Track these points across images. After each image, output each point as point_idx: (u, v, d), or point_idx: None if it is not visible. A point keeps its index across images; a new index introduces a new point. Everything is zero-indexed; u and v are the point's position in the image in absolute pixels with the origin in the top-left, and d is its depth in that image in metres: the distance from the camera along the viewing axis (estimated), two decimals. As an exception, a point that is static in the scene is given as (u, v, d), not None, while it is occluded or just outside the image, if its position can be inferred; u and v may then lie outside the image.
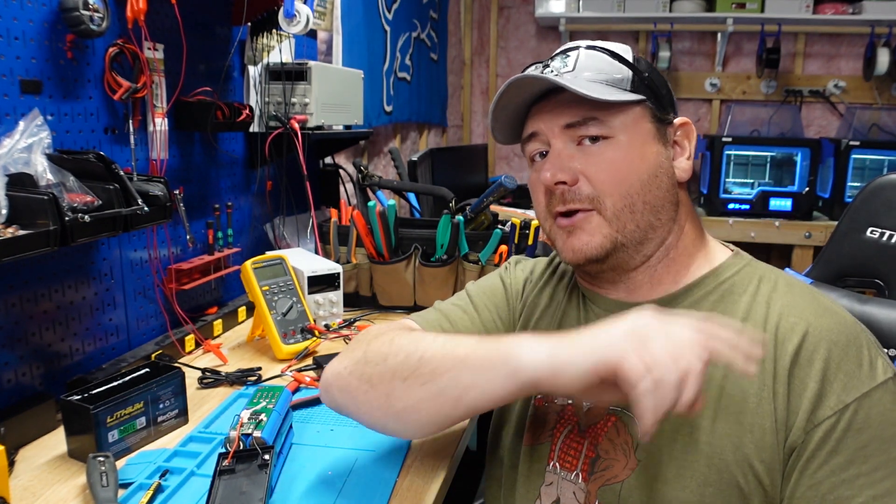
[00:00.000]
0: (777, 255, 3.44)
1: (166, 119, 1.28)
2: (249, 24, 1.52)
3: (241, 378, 1.17)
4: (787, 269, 1.06)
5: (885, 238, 0.97)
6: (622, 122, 0.77)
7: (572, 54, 0.79)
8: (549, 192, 0.79)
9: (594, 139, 0.77)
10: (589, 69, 0.78)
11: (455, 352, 0.70)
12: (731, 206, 3.05)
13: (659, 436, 0.71)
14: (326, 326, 1.42)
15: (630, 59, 0.80)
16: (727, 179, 3.11)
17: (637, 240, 0.78)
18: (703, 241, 0.83)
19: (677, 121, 0.81)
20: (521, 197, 2.85)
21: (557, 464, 0.80)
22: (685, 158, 0.81)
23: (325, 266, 1.45)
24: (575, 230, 0.78)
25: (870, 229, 0.98)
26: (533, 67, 0.82)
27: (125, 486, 0.83)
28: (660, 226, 0.78)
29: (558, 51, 0.83)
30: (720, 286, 0.78)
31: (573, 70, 0.78)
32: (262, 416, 0.83)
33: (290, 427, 0.94)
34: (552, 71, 0.79)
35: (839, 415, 0.66)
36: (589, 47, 0.80)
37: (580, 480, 0.77)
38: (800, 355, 0.69)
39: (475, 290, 0.96)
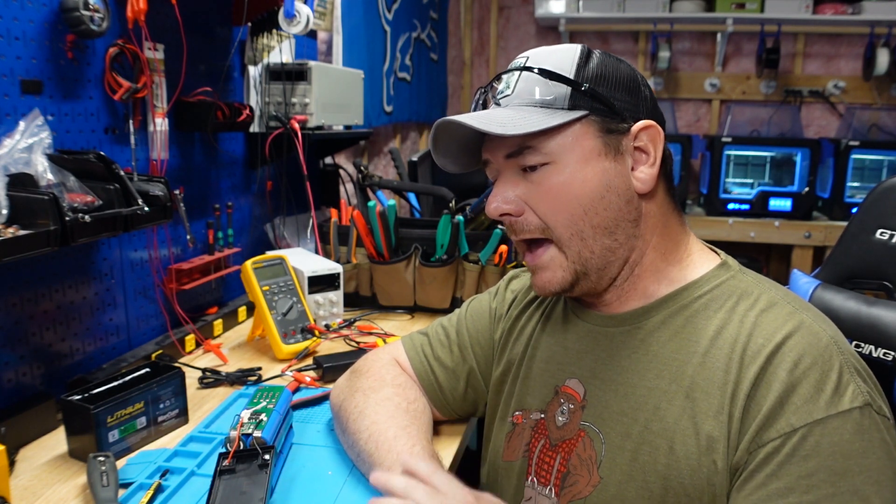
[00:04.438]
0: (777, 255, 3.45)
1: (166, 119, 1.28)
2: (249, 24, 1.52)
3: (242, 378, 1.17)
4: (794, 270, 1.06)
5: (894, 240, 0.96)
6: (559, 144, 0.73)
7: (514, 75, 0.76)
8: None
9: (534, 167, 0.75)
10: (523, 93, 0.75)
11: (374, 454, 0.81)
12: (730, 206, 3.05)
13: (621, 455, 0.73)
14: (326, 326, 1.42)
15: (570, 71, 0.74)
16: (727, 179, 3.11)
17: (597, 266, 0.76)
18: (681, 250, 0.79)
19: (638, 125, 0.74)
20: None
21: (535, 478, 0.81)
22: (648, 166, 0.75)
23: (326, 266, 1.45)
24: (537, 270, 0.79)
25: (879, 231, 0.97)
26: (480, 92, 0.81)
27: (125, 485, 0.83)
28: (618, 246, 0.76)
29: (507, 69, 0.78)
30: (697, 300, 0.75)
31: (512, 93, 0.75)
32: (263, 416, 0.84)
33: (291, 427, 0.94)
34: (498, 94, 0.77)
35: (785, 438, 0.64)
36: (526, 68, 0.75)
37: (553, 495, 0.78)
38: (760, 378, 0.67)
39: (466, 314, 0.98)
